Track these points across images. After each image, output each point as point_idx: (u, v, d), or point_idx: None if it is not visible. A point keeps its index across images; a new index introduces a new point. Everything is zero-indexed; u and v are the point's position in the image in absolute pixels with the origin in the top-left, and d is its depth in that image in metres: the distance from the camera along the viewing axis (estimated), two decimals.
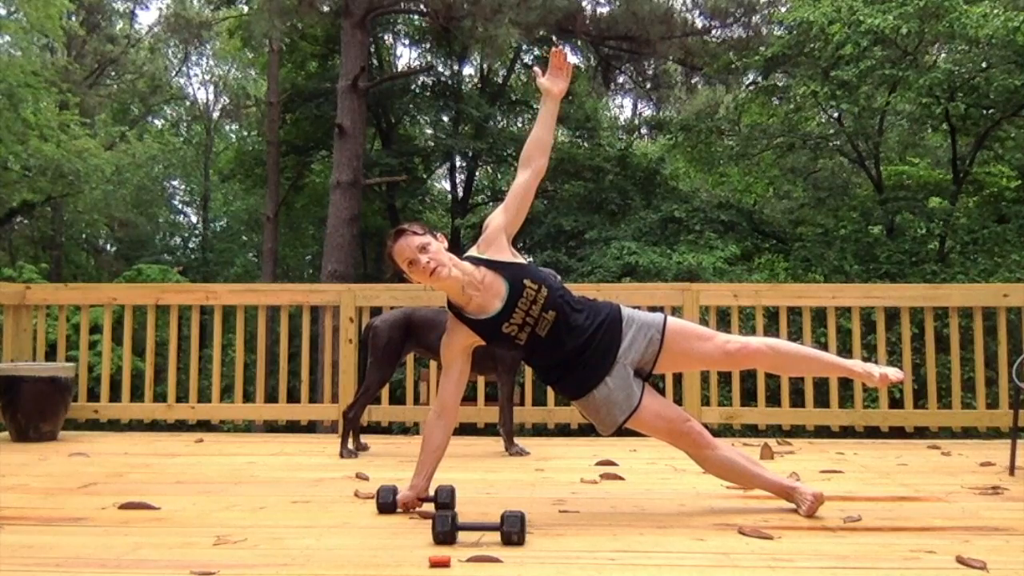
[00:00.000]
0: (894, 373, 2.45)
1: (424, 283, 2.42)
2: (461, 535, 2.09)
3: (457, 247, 12.68)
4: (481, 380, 4.67)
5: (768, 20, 13.85)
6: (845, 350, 5.56)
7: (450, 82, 16.34)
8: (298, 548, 2.05)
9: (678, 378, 4.67)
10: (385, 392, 4.53)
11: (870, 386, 2.61)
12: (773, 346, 2.56)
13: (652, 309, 3.70)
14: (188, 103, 23.49)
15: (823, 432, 4.59)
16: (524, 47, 15.12)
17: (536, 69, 2.66)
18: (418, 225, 2.46)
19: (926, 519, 2.43)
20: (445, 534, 2.06)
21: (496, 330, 2.42)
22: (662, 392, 2.61)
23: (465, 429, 4.61)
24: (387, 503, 2.45)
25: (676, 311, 4.56)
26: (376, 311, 4.55)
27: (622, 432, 2.52)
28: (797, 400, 4.71)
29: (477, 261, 2.45)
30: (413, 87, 15.91)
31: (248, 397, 5.25)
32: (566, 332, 2.43)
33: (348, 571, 1.87)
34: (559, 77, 2.59)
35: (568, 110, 15.42)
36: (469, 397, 4.15)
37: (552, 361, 2.48)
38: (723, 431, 5.19)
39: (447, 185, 18.88)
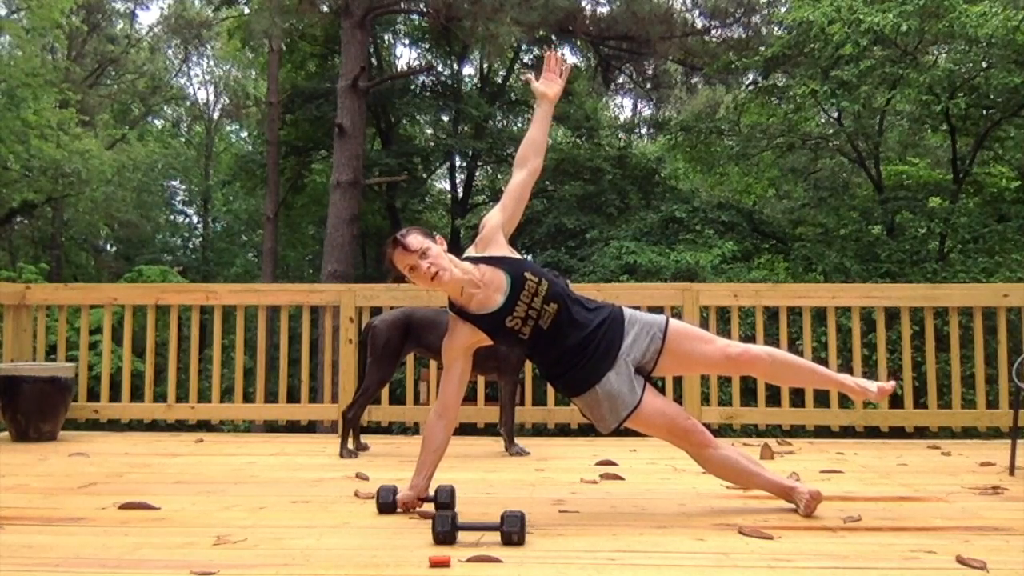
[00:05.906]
0: (889, 384, 2.52)
1: (426, 287, 2.44)
2: (461, 535, 2.09)
3: (457, 247, 12.68)
4: (481, 380, 4.67)
5: (768, 20, 13.86)
6: (846, 350, 5.57)
7: (450, 82, 16.34)
8: (298, 548, 2.05)
9: (678, 378, 4.67)
10: (385, 392, 4.52)
11: (858, 400, 2.62)
12: (773, 354, 2.58)
13: (652, 309, 3.70)
14: (188, 103, 23.50)
15: (823, 432, 4.58)
16: (524, 47, 15.12)
17: (530, 75, 2.67)
18: (416, 231, 2.46)
19: (926, 519, 2.43)
20: (445, 534, 2.06)
21: (499, 324, 2.42)
22: (662, 391, 2.61)
23: (465, 429, 4.61)
24: (387, 503, 2.45)
25: (676, 311, 4.56)
26: (376, 311, 4.55)
27: (622, 432, 2.52)
28: (797, 400, 4.71)
29: (476, 260, 2.46)
30: (413, 87, 15.91)
31: (248, 397, 5.24)
32: (569, 325, 2.44)
33: (348, 571, 1.87)
34: (553, 81, 2.62)
35: (568, 110, 15.41)
36: (469, 397, 4.14)
37: (555, 356, 2.48)
38: (723, 431, 5.19)
39: (447, 185, 18.88)
